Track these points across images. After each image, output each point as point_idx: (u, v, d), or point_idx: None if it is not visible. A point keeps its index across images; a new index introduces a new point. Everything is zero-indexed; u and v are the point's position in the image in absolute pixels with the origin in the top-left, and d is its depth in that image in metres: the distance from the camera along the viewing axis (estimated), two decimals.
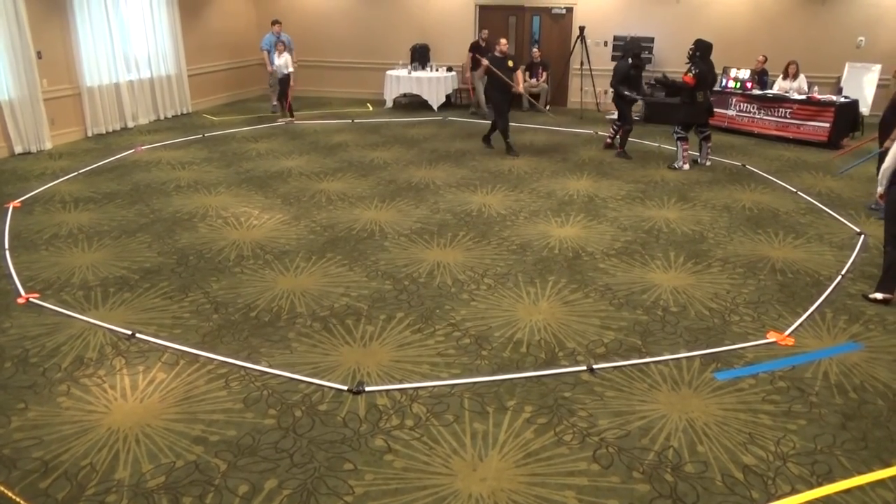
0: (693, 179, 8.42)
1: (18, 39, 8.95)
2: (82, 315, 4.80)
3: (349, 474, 3.25)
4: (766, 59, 11.09)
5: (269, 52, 11.96)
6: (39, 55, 9.42)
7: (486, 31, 12.38)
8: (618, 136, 9.71)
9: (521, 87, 9.75)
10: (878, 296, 5.05)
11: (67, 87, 10.03)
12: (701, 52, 8.58)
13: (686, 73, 8.60)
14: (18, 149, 9.30)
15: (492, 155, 9.59)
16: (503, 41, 9.52)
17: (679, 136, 8.82)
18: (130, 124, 11.25)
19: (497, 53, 9.43)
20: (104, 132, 10.66)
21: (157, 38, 11.65)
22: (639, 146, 10.18)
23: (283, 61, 11.29)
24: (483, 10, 13.36)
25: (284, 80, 11.44)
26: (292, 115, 11.83)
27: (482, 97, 12.29)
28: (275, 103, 12.61)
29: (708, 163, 9.11)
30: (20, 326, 4.64)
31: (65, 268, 5.63)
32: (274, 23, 12.20)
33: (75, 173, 8.48)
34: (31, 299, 5.05)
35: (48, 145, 9.65)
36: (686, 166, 8.86)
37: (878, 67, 10.95)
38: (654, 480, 3.23)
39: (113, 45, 10.70)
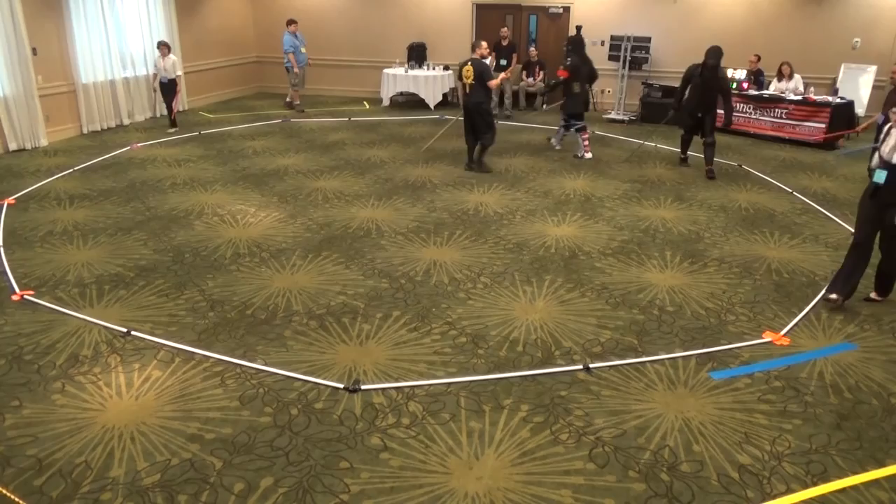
0: (689, 179, 8.44)
1: (13, 36, 8.91)
2: (77, 312, 4.78)
3: (345, 472, 3.24)
4: (759, 59, 11.11)
5: (294, 52, 12.17)
6: (35, 51, 9.38)
7: (505, 29, 12.32)
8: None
9: (497, 81, 8.44)
10: (834, 296, 4.94)
11: (63, 84, 9.99)
12: (574, 46, 9.91)
13: (560, 68, 9.41)
14: (13, 145, 9.26)
15: (488, 154, 9.57)
16: (483, 44, 8.39)
17: (577, 127, 9.45)
18: (126, 121, 11.21)
19: (477, 56, 8.33)
20: (99, 129, 10.62)
21: (153, 35, 11.60)
22: (635, 146, 10.19)
23: (169, 64, 10.28)
24: (480, 9, 13.35)
25: (169, 87, 10.47)
26: (175, 125, 10.72)
27: (508, 99, 12.31)
28: (297, 102, 12.72)
29: (559, 147, 9.92)
30: (14, 323, 4.62)
31: (60, 265, 5.61)
32: (289, 22, 12.24)
33: (70, 170, 8.45)
34: (25, 296, 5.03)
35: (43, 142, 9.61)
36: (590, 154, 9.41)
37: (873, 69, 10.97)
38: (649, 480, 3.23)
39: (108, 42, 10.66)
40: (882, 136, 4.71)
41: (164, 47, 10.26)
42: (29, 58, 9.17)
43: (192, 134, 10.66)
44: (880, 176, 4.64)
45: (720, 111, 8.49)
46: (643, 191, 7.92)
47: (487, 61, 8.61)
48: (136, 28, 11.30)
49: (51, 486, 3.13)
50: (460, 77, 8.37)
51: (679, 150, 9.15)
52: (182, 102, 12.47)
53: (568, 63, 9.39)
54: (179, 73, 10.45)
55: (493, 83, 8.23)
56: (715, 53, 8.04)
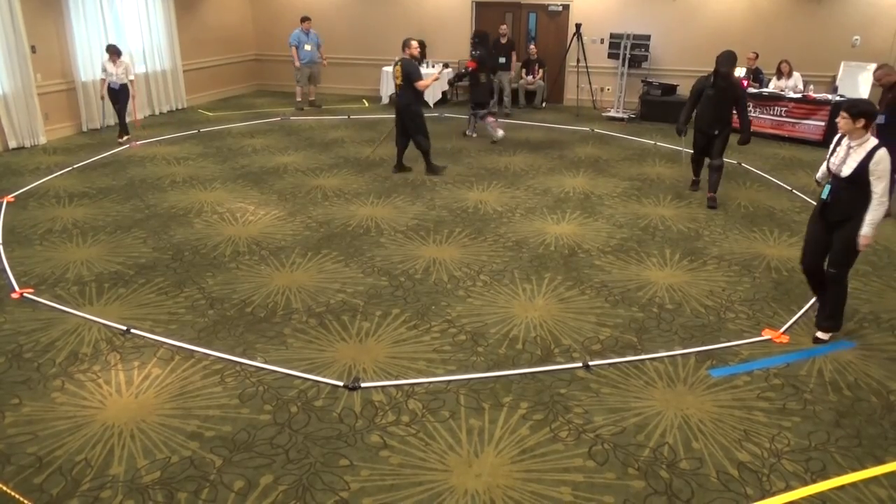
0: (689, 177, 8.42)
1: (13, 34, 8.90)
2: (77, 310, 4.78)
3: (345, 470, 3.25)
4: (757, 56, 11.10)
5: (297, 47, 12.19)
6: (34, 49, 9.37)
7: (504, 27, 12.32)
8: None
9: (426, 82, 8.10)
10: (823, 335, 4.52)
11: (62, 82, 9.98)
12: (479, 39, 10.00)
13: (469, 60, 10.06)
14: (12, 143, 9.25)
15: (488, 152, 9.59)
16: (413, 43, 8.06)
17: (482, 114, 10.04)
18: (128, 119, 11.17)
19: (407, 56, 8.00)
20: (98, 127, 10.61)
21: (152, 32, 11.60)
22: (636, 144, 10.20)
23: (121, 69, 9.41)
24: (480, 7, 13.34)
25: (122, 93, 9.52)
26: (127, 133, 9.82)
27: (507, 97, 12.31)
28: (298, 99, 12.77)
29: (474, 135, 10.39)
30: (14, 321, 4.62)
31: (59, 263, 5.61)
32: (303, 19, 12.29)
33: (69, 168, 8.44)
34: (25, 294, 5.02)
35: (42, 140, 9.60)
36: (500, 132, 9.92)
37: (873, 66, 10.92)
38: (649, 477, 3.23)
39: (108, 40, 10.61)
40: (833, 146, 4.35)
41: (114, 53, 9.35)
42: (28, 56, 9.16)
43: (191, 132, 10.65)
44: (826, 190, 4.31)
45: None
46: (642, 189, 7.92)
47: (442, 64, 8.84)
48: (136, 26, 11.28)
49: (51, 483, 3.13)
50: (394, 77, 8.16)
51: (691, 168, 7.99)
52: (182, 99, 12.48)
53: (475, 55, 9.89)
54: (132, 77, 9.55)
55: (422, 84, 7.97)
56: (728, 59, 6.98)
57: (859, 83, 11.05)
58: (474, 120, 10.38)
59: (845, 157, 4.19)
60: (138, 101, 11.50)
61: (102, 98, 9.72)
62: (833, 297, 4.43)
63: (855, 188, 4.14)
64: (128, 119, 9.87)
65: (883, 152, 4.06)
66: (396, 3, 13.58)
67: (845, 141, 4.22)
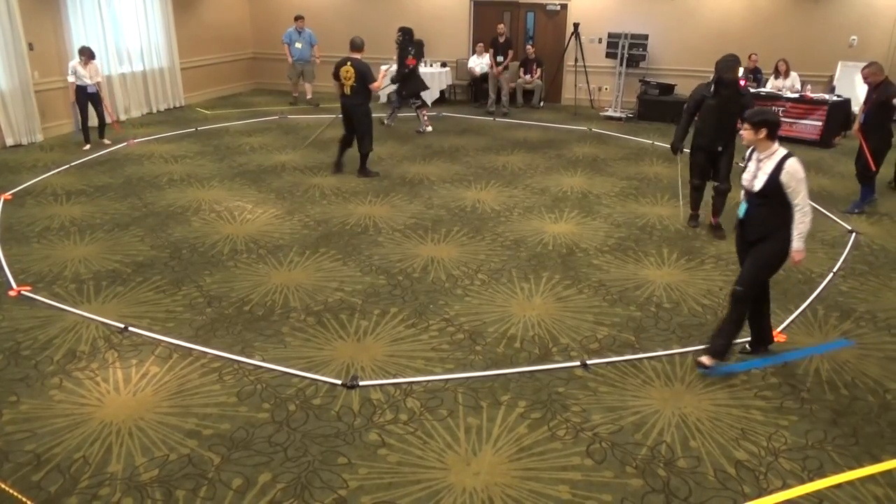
0: (687, 177, 8.43)
1: (10, 31, 8.88)
2: (74, 308, 4.78)
3: (343, 468, 3.25)
4: (757, 58, 11.12)
5: (289, 45, 12.29)
6: (31, 47, 9.34)
7: (502, 26, 12.36)
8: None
9: (380, 83, 8.18)
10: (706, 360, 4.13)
11: (59, 80, 9.94)
12: (409, 36, 10.42)
13: (408, 57, 10.45)
14: (10, 141, 9.23)
15: (486, 151, 9.59)
16: (360, 42, 7.96)
17: (416, 105, 10.77)
18: (122, 117, 11.18)
19: (356, 57, 7.87)
20: (96, 125, 10.57)
21: (149, 30, 11.58)
22: (634, 143, 10.21)
23: (93, 71, 9.01)
24: (478, 6, 13.34)
25: (95, 96, 9.12)
26: (88, 140, 9.36)
27: (505, 96, 12.33)
28: (295, 94, 12.83)
29: (392, 123, 11.03)
30: (12, 319, 4.62)
31: (57, 261, 5.60)
32: (296, 18, 12.37)
33: (67, 166, 8.43)
34: (22, 292, 5.02)
35: (39, 137, 9.59)
36: (430, 128, 10.69)
37: None
38: (646, 475, 3.24)
39: (105, 38, 10.63)
40: (745, 160, 4.10)
41: (89, 56, 8.91)
42: (25, 53, 9.14)
43: (188, 130, 10.64)
44: (741, 208, 4.05)
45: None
46: (640, 188, 7.93)
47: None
48: (133, 23, 11.26)
49: (49, 481, 3.13)
50: (336, 77, 7.88)
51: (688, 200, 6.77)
52: (180, 97, 12.46)
53: (412, 51, 10.47)
54: (100, 79, 9.17)
55: (376, 85, 7.93)
56: (730, 64, 5.96)
57: (856, 83, 11.06)
58: (397, 112, 11.14)
59: (756, 171, 3.92)
60: (135, 99, 11.53)
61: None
62: (728, 318, 4.05)
63: (770, 204, 3.85)
64: (107, 121, 9.58)
65: (792, 163, 3.79)
66: (394, 2, 13.58)
67: (756, 154, 3.97)
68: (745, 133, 3.92)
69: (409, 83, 10.69)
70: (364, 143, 8.10)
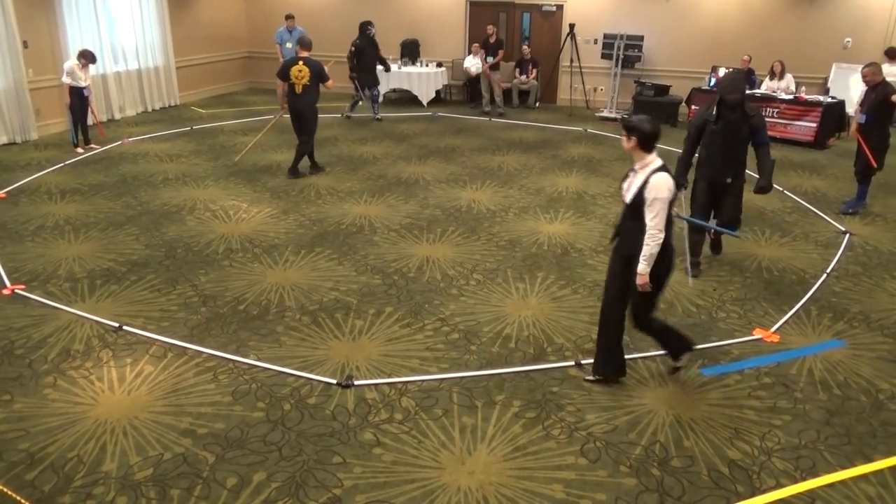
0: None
1: (4, 29, 8.85)
2: (69, 307, 4.77)
3: (338, 467, 3.25)
4: (750, 59, 11.16)
5: (280, 45, 12.20)
6: (25, 45, 9.31)
7: (491, 27, 12.38)
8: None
9: (332, 82, 8.08)
10: (592, 376, 4.00)
11: (54, 78, 9.90)
12: (360, 31, 11.25)
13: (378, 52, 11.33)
14: (4, 139, 9.21)
15: (481, 151, 9.60)
16: (302, 40, 7.83)
17: (376, 93, 11.55)
18: (117, 116, 11.16)
19: (305, 55, 7.77)
20: (91, 123, 10.54)
21: (144, 29, 11.56)
22: None
23: (87, 74, 8.84)
24: (474, 7, 13.35)
25: (86, 101, 8.92)
26: (87, 142, 9.21)
27: (498, 97, 12.35)
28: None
29: (352, 114, 11.83)
30: (6, 318, 4.60)
31: (51, 259, 5.58)
32: (287, 17, 12.27)
33: (61, 164, 8.40)
34: (16, 290, 5.00)
35: (34, 136, 9.55)
36: (380, 114, 11.64)
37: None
38: (640, 474, 3.25)
39: (100, 36, 10.61)
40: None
41: (90, 59, 8.77)
42: (20, 51, 9.11)
43: (183, 129, 10.61)
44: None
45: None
46: None
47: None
48: (128, 22, 11.24)
49: (43, 480, 3.12)
50: (286, 77, 7.70)
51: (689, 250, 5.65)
52: (175, 96, 12.43)
53: (358, 44, 11.17)
54: (89, 82, 8.93)
55: (331, 83, 7.93)
56: (734, 84, 5.20)
57: (850, 85, 11.12)
58: (358, 103, 11.80)
59: (631, 180, 3.62)
60: (130, 98, 11.50)
61: (70, 106, 8.78)
62: (657, 342, 3.95)
63: (640, 218, 3.52)
64: (90, 122, 9.36)
65: (658, 178, 3.45)
66: (390, 2, 13.57)
67: (636, 163, 3.63)
68: (623, 140, 3.62)
69: (371, 75, 11.41)
70: (307, 142, 8.01)
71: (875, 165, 6.99)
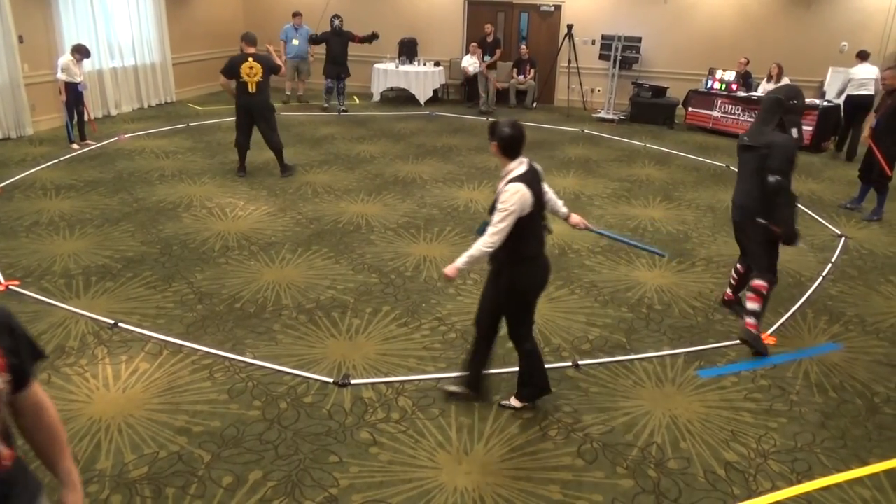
0: (678, 179, 8.49)
1: None
2: (64, 303, 4.74)
3: (334, 466, 3.24)
4: (748, 62, 11.18)
5: (286, 42, 12.25)
6: (21, 39, 9.25)
7: (489, 26, 12.38)
8: None
9: (283, 67, 7.91)
10: (515, 403, 3.74)
11: (49, 73, 9.83)
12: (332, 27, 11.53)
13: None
14: None
15: (479, 151, 9.59)
16: (248, 37, 7.55)
17: (342, 84, 11.77)
18: (113, 112, 11.11)
19: (252, 51, 7.54)
20: (86, 119, 10.50)
21: (141, 25, 11.50)
22: (625, 145, 10.24)
23: (82, 69, 8.77)
24: (472, 6, 13.34)
25: (80, 97, 8.83)
26: (83, 138, 9.12)
27: (487, 94, 12.36)
28: (287, 93, 12.79)
29: (344, 108, 11.91)
30: None
31: (46, 255, 5.55)
32: (294, 14, 12.30)
33: (57, 160, 8.36)
34: (10, 287, 4.97)
35: (29, 131, 9.50)
36: (345, 106, 11.90)
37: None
38: (637, 476, 3.26)
39: (96, 32, 10.55)
40: None
41: (85, 54, 8.70)
42: (15, 46, 9.05)
43: (180, 126, 10.58)
44: (480, 228, 3.48)
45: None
46: (632, 190, 7.96)
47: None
48: (125, 18, 11.18)
49: None
50: (236, 76, 7.42)
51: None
52: (171, 93, 12.39)
53: (321, 36, 11.54)
54: (82, 77, 8.82)
55: (284, 70, 8.03)
56: (774, 104, 4.33)
57: (830, 81, 11.18)
58: (333, 93, 11.88)
59: (498, 187, 3.42)
60: (126, 94, 11.45)
61: (66, 103, 8.71)
62: (523, 365, 3.66)
63: None
64: (85, 118, 9.23)
65: (511, 185, 3.24)
66: (389, 2, 13.55)
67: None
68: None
69: (343, 67, 11.66)
70: (278, 140, 7.81)
71: (889, 174, 6.95)
